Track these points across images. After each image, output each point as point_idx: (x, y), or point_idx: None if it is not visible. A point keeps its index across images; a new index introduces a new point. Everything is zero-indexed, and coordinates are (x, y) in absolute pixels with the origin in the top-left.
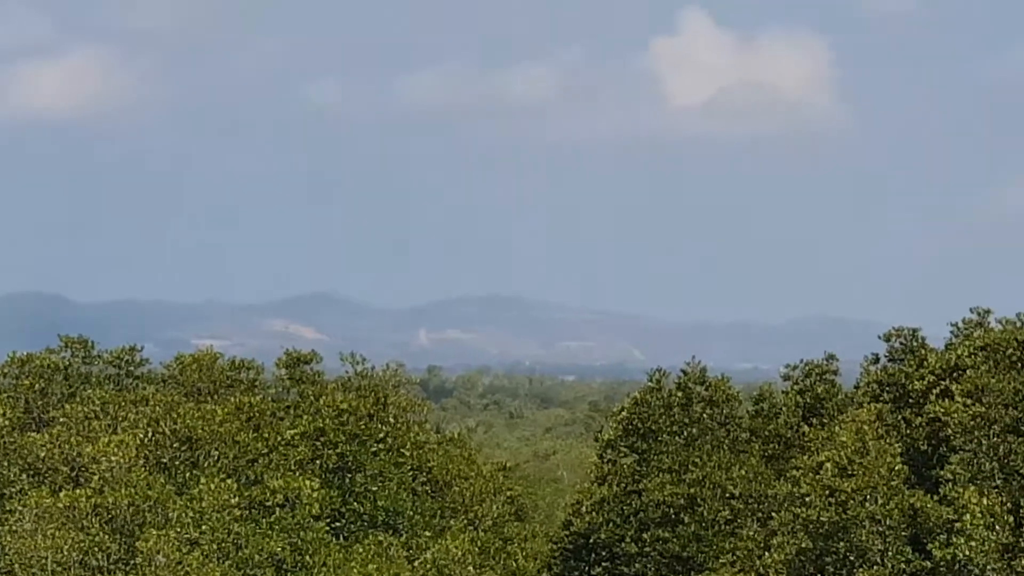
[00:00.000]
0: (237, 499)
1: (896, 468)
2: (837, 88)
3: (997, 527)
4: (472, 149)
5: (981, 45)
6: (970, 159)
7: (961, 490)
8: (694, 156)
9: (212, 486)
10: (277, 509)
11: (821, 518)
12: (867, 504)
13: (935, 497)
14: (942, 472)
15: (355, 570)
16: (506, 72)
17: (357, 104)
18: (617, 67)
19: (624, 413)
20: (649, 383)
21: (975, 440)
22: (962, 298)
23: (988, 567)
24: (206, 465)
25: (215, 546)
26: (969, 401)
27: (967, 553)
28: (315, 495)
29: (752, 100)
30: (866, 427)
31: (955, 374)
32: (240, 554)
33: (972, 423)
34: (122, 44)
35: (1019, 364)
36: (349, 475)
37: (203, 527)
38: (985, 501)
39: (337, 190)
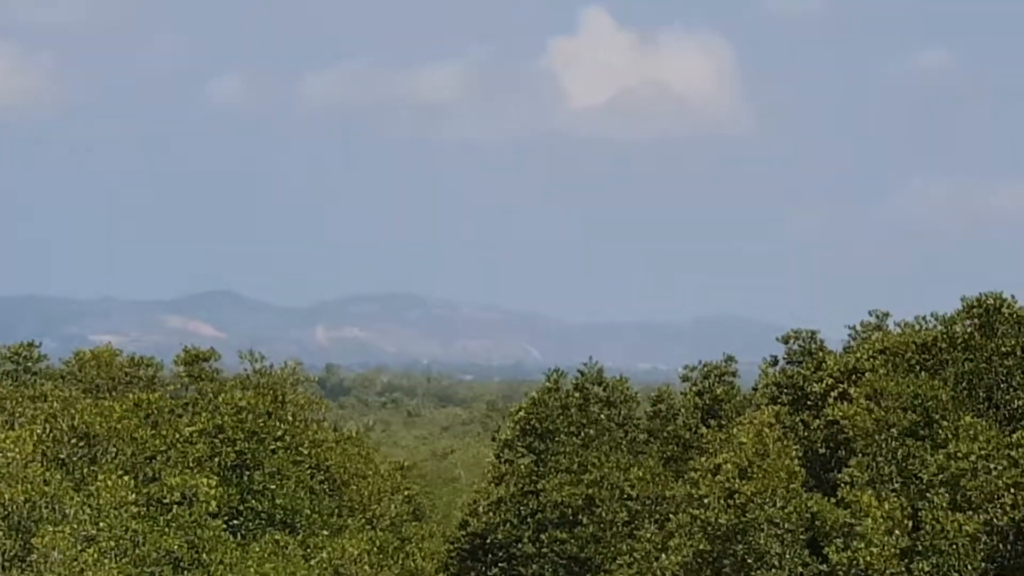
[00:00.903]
0: (135, 496)
1: (795, 471)
2: (740, 89)
3: (896, 531)
4: (375, 147)
5: (885, 47)
6: (873, 161)
7: (859, 493)
8: (595, 156)
9: (109, 483)
10: (174, 506)
11: (719, 520)
12: (766, 507)
13: (833, 500)
14: (840, 475)
15: (252, 568)
16: (410, 71)
17: (260, 101)
18: (519, 67)
19: (521, 413)
20: (547, 383)
21: (874, 443)
22: (863, 300)
23: (887, 571)
24: (104, 462)
25: (112, 543)
26: (868, 404)
27: (867, 558)
28: (212, 492)
29: (654, 100)
30: (766, 429)
31: (854, 377)
32: (137, 551)
33: (871, 426)
34: (21, 40)
35: (917, 367)
36: (247, 472)
37: (100, 524)
38: (886, 505)
39: (237, 186)
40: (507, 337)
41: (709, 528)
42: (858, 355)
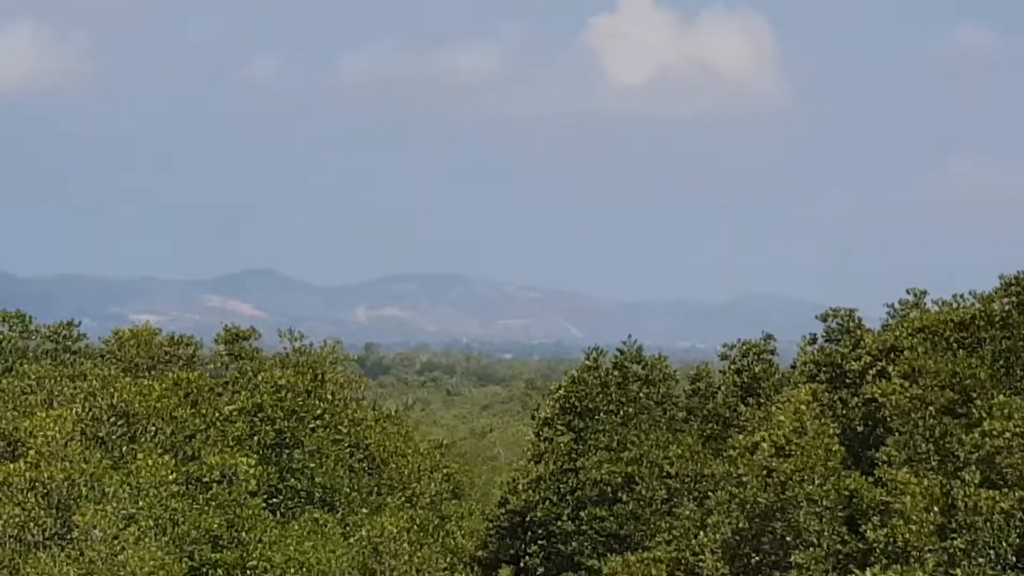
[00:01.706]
0: (174, 475)
1: (833, 449)
2: (779, 67)
3: (934, 509)
4: (415, 125)
5: (923, 24)
6: (910, 138)
7: (896, 472)
8: (634, 134)
9: (149, 462)
10: (214, 485)
11: (758, 498)
12: (804, 485)
13: (871, 479)
14: (878, 454)
15: (291, 547)
16: (449, 48)
17: (299, 80)
18: (558, 44)
19: (561, 391)
20: (586, 361)
21: (911, 422)
22: (900, 279)
23: (925, 548)
24: (143, 440)
25: (152, 522)
26: (906, 383)
27: (905, 536)
28: (252, 471)
29: (693, 79)
30: (803, 407)
31: (892, 355)
32: (177, 530)
33: (908, 405)
34: (58, 20)
35: (955, 346)
36: (287, 451)
37: (140, 502)
38: (924, 482)
39: (277, 165)
40: (546, 316)
41: (748, 506)
42: (896, 333)
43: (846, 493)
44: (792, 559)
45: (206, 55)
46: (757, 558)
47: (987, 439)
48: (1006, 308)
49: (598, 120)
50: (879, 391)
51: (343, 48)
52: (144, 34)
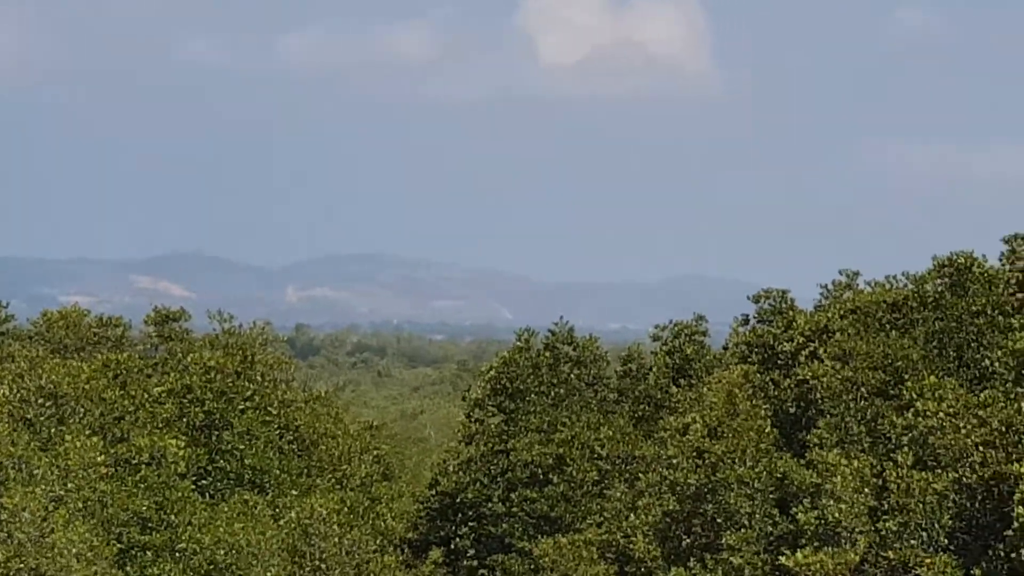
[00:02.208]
0: (103, 457)
1: (765, 430)
2: (712, 49)
3: (866, 490)
4: (350, 107)
5: (859, 6)
6: (842, 120)
7: (826, 454)
8: (568, 115)
9: (78, 443)
10: (143, 467)
11: (689, 480)
12: (736, 467)
13: (802, 461)
14: (809, 436)
15: (220, 528)
16: (386, 29)
17: (236, 62)
18: (492, 24)
19: (492, 372)
20: (517, 343)
21: (842, 404)
22: (833, 260)
23: (856, 530)
24: (72, 422)
25: (80, 504)
26: (837, 364)
27: (836, 516)
28: (181, 453)
29: (626, 60)
30: (735, 389)
31: (824, 337)
32: (106, 512)
33: (840, 386)
34: None
35: (887, 327)
36: (216, 433)
37: (68, 484)
38: (855, 463)
39: (210, 147)
40: (478, 297)
41: (678, 488)
42: (828, 314)
43: (777, 475)
44: (723, 541)
45: (142, 36)
46: (688, 540)
47: (919, 420)
48: (939, 289)
49: (530, 100)
50: (810, 373)
51: (280, 30)
52: (77, 13)
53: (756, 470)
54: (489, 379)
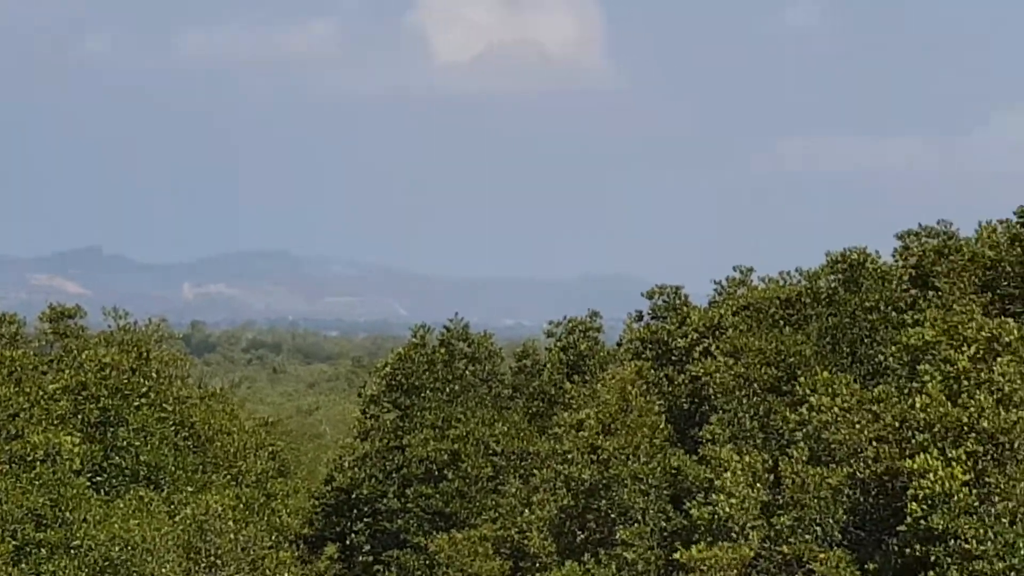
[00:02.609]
0: None
1: (658, 426)
2: (609, 47)
3: (758, 485)
4: (247, 104)
5: (751, 3)
6: (740, 118)
7: (719, 449)
8: (464, 112)
9: None
10: (38, 464)
11: (582, 476)
12: (629, 462)
13: (695, 457)
14: (702, 432)
15: (115, 525)
16: (282, 27)
17: (133, 60)
18: (388, 22)
19: (388, 368)
20: (413, 339)
21: (735, 400)
22: (731, 256)
23: (748, 525)
24: None
25: None
26: (729, 360)
27: (727, 511)
28: (76, 450)
29: (522, 57)
30: (629, 385)
31: (716, 333)
32: (0, 509)
33: (732, 383)
34: None
35: (781, 323)
36: (111, 429)
37: None
38: (747, 459)
39: (106, 144)
40: (372, 294)
41: (572, 484)
42: (721, 311)
43: (671, 471)
44: (617, 536)
45: (40, 33)
46: (583, 535)
47: (813, 415)
48: (832, 285)
49: (428, 97)
50: (703, 369)
51: (178, 28)
52: None
53: (650, 466)
54: (384, 375)
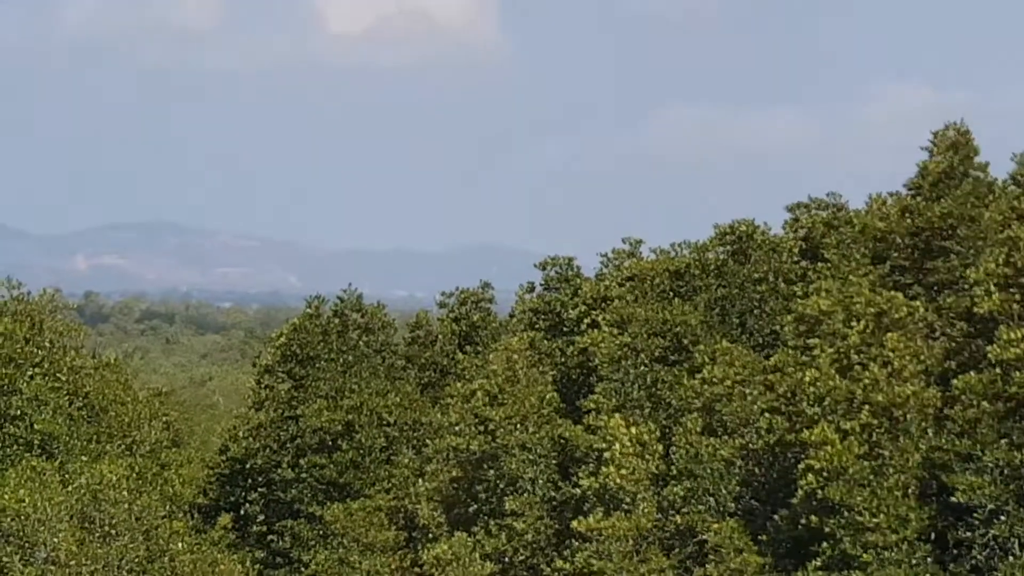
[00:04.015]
0: None
1: (547, 397)
2: (499, 17)
3: (647, 456)
4: (134, 76)
5: None
6: (628, 87)
7: (606, 419)
8: (353, 83)
9: None
10: None
11: (471, 446)
12: (516, 432)
13: (583, 426)
14: (586, 401)
15: (7, 494)
16: None
17: (15, 31)
18: None
19: (282, 339)
20: (307, 310)
21: (622, 369)
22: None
23: (639, 495)
24: None
25: None
26: (615, 331)
27: (617, 481)
28: None
29: (413, 28)
30: (516, 355)
31: (604, 304)
32: None
33: (619, 353)
34: None
35: (670, 294)
36: (4, 398)
37: None
38: (634, 430)
39: None
40: (265, 265)
41: (462, 454)
42: (607, 282)
43: (560, 441)
44: (506, 506)
45: None
46: (474, 506)
47: (707, 386)
48: (721, 257)
49: (316, 69)
50: (589, 340)
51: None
52: None
53: (538, 436)
54: (279, 345)
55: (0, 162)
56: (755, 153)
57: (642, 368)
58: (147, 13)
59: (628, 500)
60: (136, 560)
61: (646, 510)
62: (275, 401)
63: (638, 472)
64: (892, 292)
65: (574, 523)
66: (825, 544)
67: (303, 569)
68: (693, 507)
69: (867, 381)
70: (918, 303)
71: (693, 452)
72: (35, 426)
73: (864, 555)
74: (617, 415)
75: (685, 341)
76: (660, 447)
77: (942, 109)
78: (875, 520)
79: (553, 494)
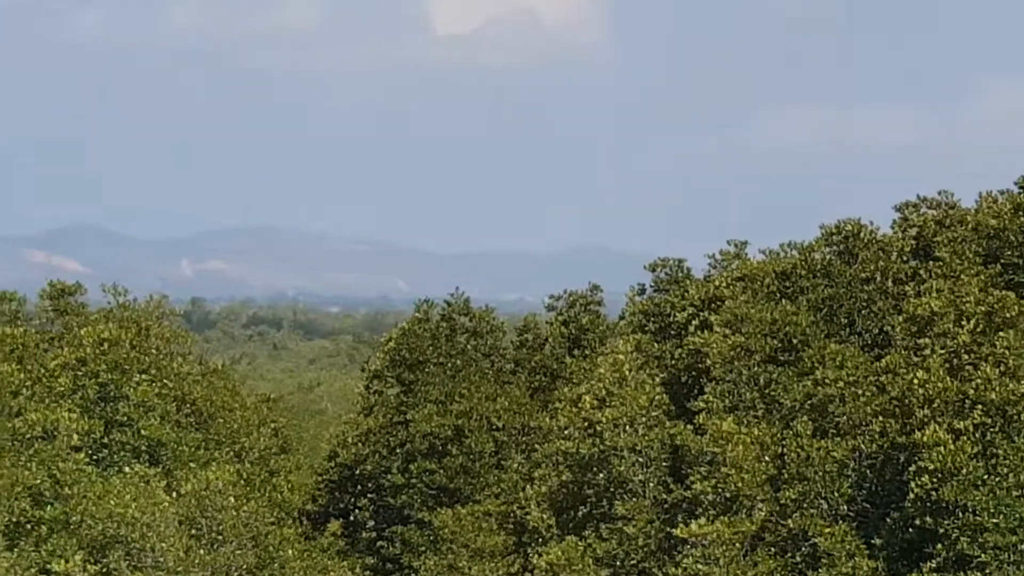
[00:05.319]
0: None
1: (656, 399)
2: (604, 19)
3: (766, 458)
4: (240, 80)
5: None
6: (733, 92)
7: (717, 420)
8: (462, 84)
9: None
10: (36, 441)
11: (580, 450)
12: (624, 435)
13: (695, 428)
14: (697, 402)
15: (115, 501)
16: (285, 2)
17: (124, 35)
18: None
19: (391, 344)
20: (416, 314)
21: (734, 370)
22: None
23: (757, 499)
24: None
25: None
26: (727, 331)
27: (737, 485)
28: (74, 426)
29: (519, 29)
30: (622, 358)
31: (713, 305)
32: None
33: (731, 353)
34: None
35: (777, 294)
36: (111, 405)
37: None
38: (755, 431)
39: (101, 120)
40: (373, 269)
41: (571, 458)
42: (717, 283)
43: (671, 443)
44: (616, 510)
45: (26, 8)
46: (584, 509)
47: (819, 387)
48: (827, 257)
49: (423, 71)
50: (701, 341)
51: (168, 1)
52: None
53: (648, 438)
54: (388, 350)
55: (107, 167)
56: (865, 152)
57: (755, 369)
58: (253, 16)
59: (745, 503)
60: (245, 567)
61: (759, 514)
62: (384, 406)
63: (757, 476)
64: (1004, 291)
65: (676, 530)
66: (940, 545)
67: (413, 575)
68: (805, 511)
69: (979, 381)
70: None
71: (804, 455)
72: (142, 432)
73: (983, 555)
74: (730, 417)
75: (795, 341)
76: (777, 450)
77: None
78: (993, 520)
79: (665, 497)
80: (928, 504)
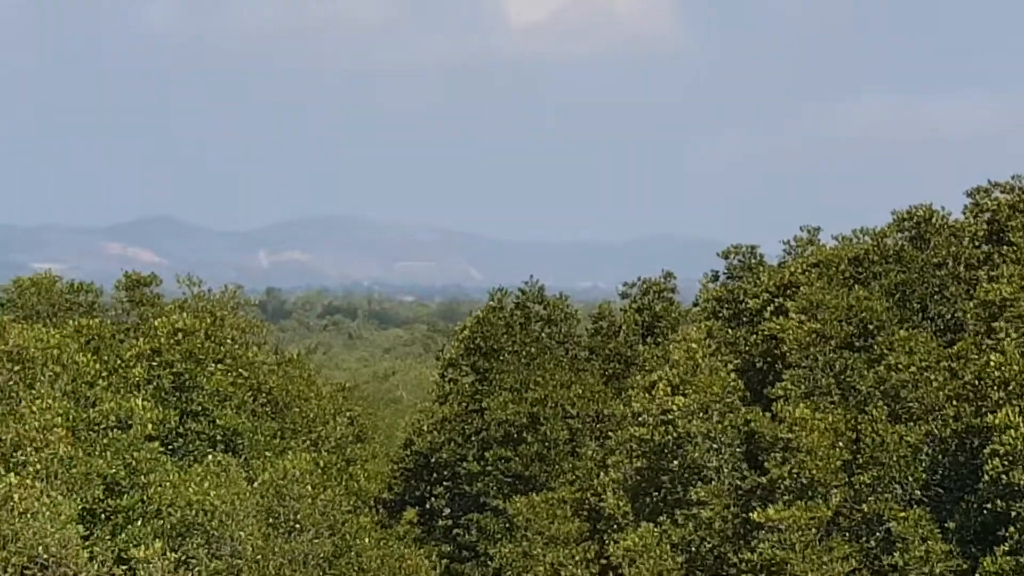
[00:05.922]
0: (61, 419)
1: (730, 385)
2: (676, 6)
3: (840, 444)
4: (313, 70)
5: None
6: (802, 78)
7: (792, 407)
8: (531, 75)
9: (34, 408)
10: (111, 430)
11: (654, 437)
12: (698, 421)
13: (768, 415)
14: (774, 389)
15: (191, 489)
16: None
17: (196, 27)
18: None
19: (466, 332)
20: (490, 302)
21: (810, 356)
22: (798, 215)
23: (832, 484)
24: (40, 387)
25: (38, 466)
26: (804, 317)
27: (812, 471)
28: (148, 416)
29: (591, 20)
30: (695, 345)
31: (788, 291)
32: (67, 474)
33: (807, 339)
34: None
35: (851, 280)
36: (186, 394)
37: (28, 448)
38: (830, 417)
39: (175, 112)
40: (447, 258)
41: (645, 445)
42: (791, 269)
43: (745, 429)
44: (691, 495)
45: (101, 4)
46: (658, 495)
47: (892, 373)
48: (900, 243)
49: (496, 62)
50: (777, 327)
51: None
52: None
53: (722, 425)
54: (463, 339)
55: (181, 161)
56: (939, 137)
57: (831, 355)
58: (324, 9)
59: (820, 489)
60: (322, 555)
61: (834, 499)
62: (459, 394)
63: (832, 461)
64: None
65: (753, 515)
66: (1012, 528)
67: (489, 563)
68: (879, 495)
69: None
70: None
71: (879, 440)
72: (218, 422)
73: None
74: (804, 402)
75: (871, 327)
76: (852, 435)
77: None
78: None
79: (739, 483)
80: (1000, 487)
